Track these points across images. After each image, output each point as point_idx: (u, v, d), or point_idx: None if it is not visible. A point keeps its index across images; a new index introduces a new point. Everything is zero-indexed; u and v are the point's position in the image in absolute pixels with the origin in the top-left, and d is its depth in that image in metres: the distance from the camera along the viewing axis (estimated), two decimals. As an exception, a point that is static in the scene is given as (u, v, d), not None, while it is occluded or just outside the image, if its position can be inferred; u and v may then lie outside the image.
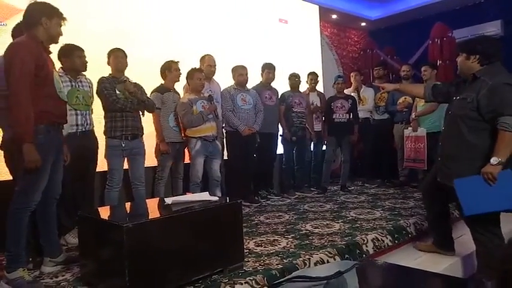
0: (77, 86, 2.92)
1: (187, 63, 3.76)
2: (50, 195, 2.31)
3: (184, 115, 3.43)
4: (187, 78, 3.60)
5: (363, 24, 7.32)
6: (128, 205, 2.66)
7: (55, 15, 2.20)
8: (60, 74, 2.79)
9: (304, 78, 4.90)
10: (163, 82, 3.69)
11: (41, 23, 2.15)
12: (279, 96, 4.61)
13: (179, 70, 3.68)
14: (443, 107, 4.33)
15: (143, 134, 3.22)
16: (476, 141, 2.27)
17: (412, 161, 4.46)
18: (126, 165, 3.16)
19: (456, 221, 3.16)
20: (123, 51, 3.16)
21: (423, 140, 4.31)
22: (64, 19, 2.25)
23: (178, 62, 3.67)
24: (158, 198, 2.85)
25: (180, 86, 3.88)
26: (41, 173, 2.12)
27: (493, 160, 2.15)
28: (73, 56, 2.87)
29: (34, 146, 2.03)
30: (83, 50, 2.93)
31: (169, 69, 3.64)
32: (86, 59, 2.96)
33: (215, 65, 3.96)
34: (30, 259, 2.40)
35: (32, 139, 2.03)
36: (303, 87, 4.96)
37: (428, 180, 2.77)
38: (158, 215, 2.09)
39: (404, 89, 3.24)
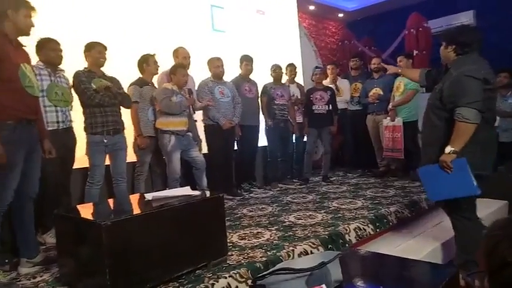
0: (56, 81, 2.85)
1: (164, 56, 3.71)
2: (26, 194, 2.23)
3: (164, 99, 3.34)
4: (170, 74, 3.53)
5: (340, 15, 7.37)
6: (107, 202, 2.59)
7: (22, 7, 2.12)
8: (40, 67, 2.75)
9: (283, 70, 4.88)
10: (141, 76, 3.61)
11: (6, 15, 2.07)
12: (261, 88, 4.58)
13: (157, 63, 3.63)
14: (418, 96, 4.43)
15: (124, 128, 3.16)
16: (444, 129, 2.32)
17: (391, 151, 4.53)
18: (107, 161, 3.08)
19: (436, 208, 3.24)
20: (105, 47, 3.04)
21: (400, 130, 4.38)
22: (33, 9, 2.17)
23: (155, 54, 3.61)
24: (138, 194, 2.79)
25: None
26: (9, 171, 2.03)
27: (447, 149, 2.21)
28: (46, 49, 2.79)
29: None
30: (58, 43, 2.84)
31: (147, 63, 3.57)
32: (62, 53, 2.86)
33: (189, 57, 3.88)
34: (6, 260, 2.31)
35: None
36: (283, 79, 4.94)
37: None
38: (138, 212, 2.04)
39: (405, 72, 3.32)
